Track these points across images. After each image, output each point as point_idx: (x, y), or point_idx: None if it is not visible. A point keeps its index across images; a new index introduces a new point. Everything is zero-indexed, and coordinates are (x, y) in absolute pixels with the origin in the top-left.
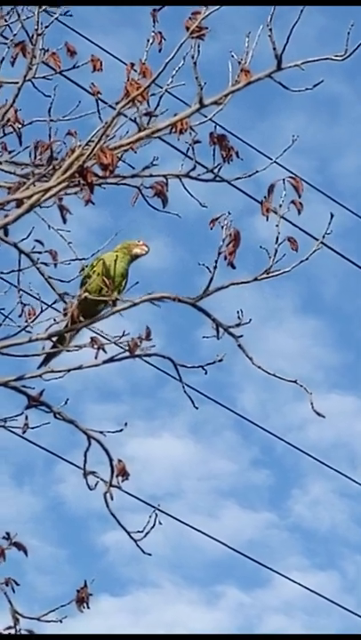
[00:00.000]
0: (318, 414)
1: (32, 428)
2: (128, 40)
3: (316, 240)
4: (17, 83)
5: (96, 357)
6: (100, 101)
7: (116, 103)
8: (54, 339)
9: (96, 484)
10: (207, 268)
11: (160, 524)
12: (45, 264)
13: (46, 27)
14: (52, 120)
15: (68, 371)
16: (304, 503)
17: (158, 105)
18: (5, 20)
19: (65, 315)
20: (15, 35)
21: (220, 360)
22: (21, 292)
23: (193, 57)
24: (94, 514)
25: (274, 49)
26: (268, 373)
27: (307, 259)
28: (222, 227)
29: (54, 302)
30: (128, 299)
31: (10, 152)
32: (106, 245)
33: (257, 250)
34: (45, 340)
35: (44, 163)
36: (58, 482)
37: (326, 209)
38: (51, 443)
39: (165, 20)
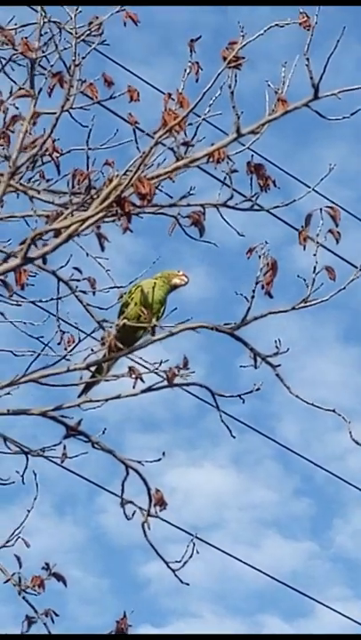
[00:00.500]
0: (357, 443)
1: (70, 457)
2: (166, 70)
3: (356, 268)
4: (55, 113)
5: (134, 387)
6: (137, 131)
7: (154, 133)
8: (93, 368)
9: (133, 514)
10: (245, 297)
11: (197, 552)
12: (84, 292)
13: (83, 57)
14: (89, 149)
15: (106, 400)
16: (346, 533)
17: (195, 134)
18: (43, 51)
19: (103, 344)
20: (52, 65)
21: (258, 389)
22: (60, 321)
23: (230, 86)
24: (136, 544)
25: (311, 78)
26: (307, 403)
27: (344, 288)
28: (260, 256)
29: (93, 331)
30: (167, 326)
31: (48, 181)
32: (144, 273)
33: (296, 279)
34: (84, 369)
35: (82, 191)
36: (99, 512)
37: None
38: (92, 473)
39: (203, 50)
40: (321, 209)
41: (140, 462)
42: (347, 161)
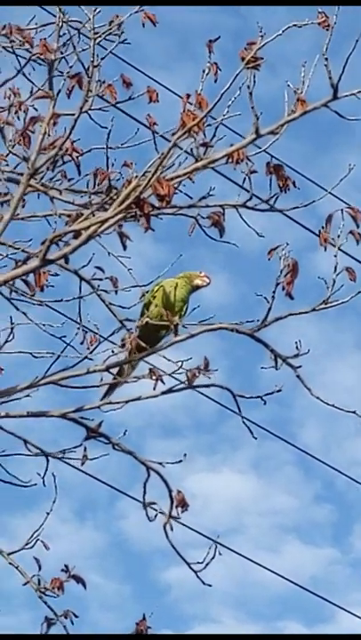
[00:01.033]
0: None
1: (91, 459)
2: (186, 75)
3: None
4: (73, 114)
5: (154, 388)
6: (156, 133)
7: (173, 134)
8: (114, 370)
9: (155, 516)
10: (265, 298)
11: (220, 554)
12: (106, 291)
13: (102, 58)
14: (110, 148)
15: (127, 402)
16: None
17: (214, 135)
18: (61, 52)
19: (123, 345)
20: (71, 67)
21: (279, 390)
22: (81, 320)
23: (249, 87)
24: (157, 550)
25: (330, 78)
26: (327, 404)
27: None
28: (280, 257)
29: (113, 332)
30: (189, 324)
31: (69, 180)
32: (165, 272)
33: (317, 285)
34: (104, 371)
35: (103, 191)
36: (120, 518)
37: None
38: (113, 478)
39: (222, 54)
40: (342, 210)
41: (160, 464)
42: None
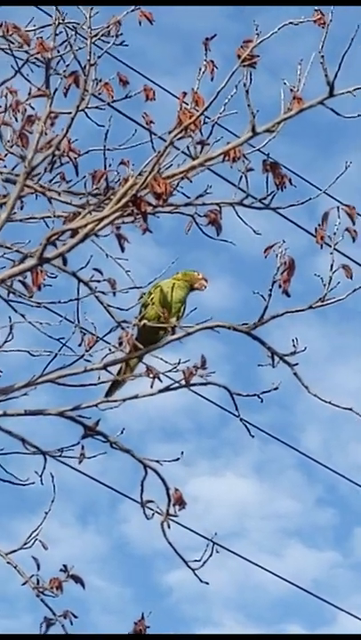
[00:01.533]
0: None
1: (89, 457)
2: (188, 79)
3: None
4: (70, 113)
5: (152, 387)
6: (154, 134)
7: (169, 132)
8: (115, 370)
9: (153, 514)
10: (262, 296)
11: (217, 552)
12: (104, 293)
13: (99, 57)
14: (107, 149)
15: (124, 400)
16: None
17: (211, 133)
18: (58, 51)
19: (120, 344)
20: (68, 65)
21: (276, 388)
22: (79, 321)
23: (245, 85)
24: (159, 553)
25: (326, 76)
26: (324, 401)
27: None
28: (277, 255)
29: (109, 331)
30: (185, 326)
31: (67, 182)
32: (163, 274)
33: (319, 288)
34: (101, 369)
35: (101, 192)
36: (122, 522)
37: None
38: (114, 482)
39: (225, 58)
40: (338, 207)
41: (158, 462)
42: None
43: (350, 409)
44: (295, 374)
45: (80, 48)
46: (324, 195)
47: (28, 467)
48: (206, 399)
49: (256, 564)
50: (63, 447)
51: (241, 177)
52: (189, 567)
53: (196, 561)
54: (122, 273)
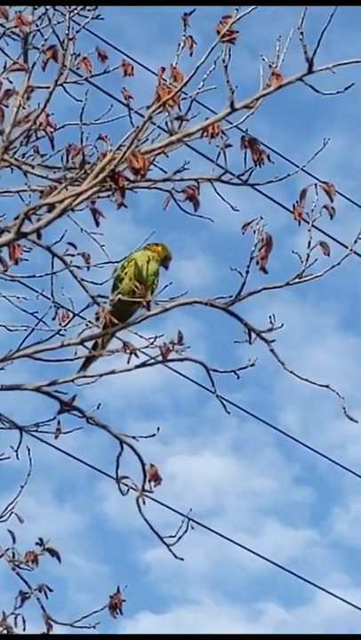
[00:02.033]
0: (351, 419)
1: (65, 432)
2: (168, 58)
3: (346, 248)
4: (48, 87)
5: (128, 362)
6: (133, 111)
7: (148, 107)
8: (90, 344)
9: (128, 490)
10: (239, 272)
11: (192, 528)
12: (78, 267)
13: (77, 31)
14: (84, 124)
15: (101, 375)
16: (345, 521)
17: (190, 109)
18: (37, 25)
19: (97, 319)
20: (46, 40)
21: (253, 365)
22: (55, 297)
23: (224, 61)
24: (137, 531)
25: (305, 52)
26: (301, 378)
27: (339, 263)
28: (254, 231)
29: (86, 307)
30: (162, 301)
31: (42, 156)
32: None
33: (298, 267)
34: (78, 344)
35: (77, 166)
36: (100, 499)
37: None
38: (92, 460)
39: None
40: (316, 184)
41: (134, 438)
42: (350, 152)
43: (327, 386)
44: (272, 350)
45: (59, 22)
46: (303, 174)
47: (4, 443)
48: (184, 376)
49: (234, 542)
50: (39, 422)
51: (219, 153)
52: (164, 543)
53: (171, 536)
54: (97, 249)
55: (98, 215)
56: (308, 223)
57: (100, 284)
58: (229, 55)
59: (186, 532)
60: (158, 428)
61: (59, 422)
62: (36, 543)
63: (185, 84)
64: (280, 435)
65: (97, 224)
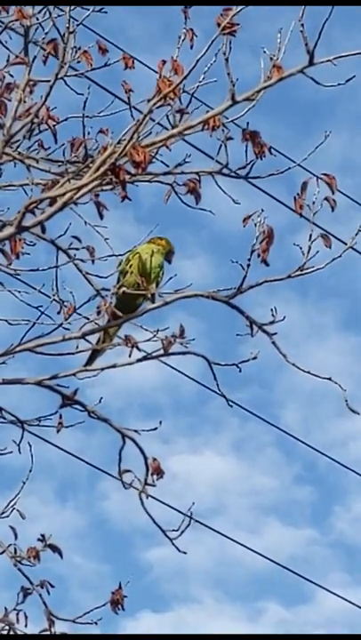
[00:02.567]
0: (353, 411)
1: (66, 427)
2: (168, 56)
3: (345, 244)
4: (49, 81)
5: (130, 356)
6: (133, 104)
7: (148, 101)
8: (92, 339)
9: (132, 481)
10: (241, 265)
11: (195, 521)
12: (82, 260)
13: (78, 25)
14: (86, 117)
15: (102, 369)
16: (346, 520)
17: (190, 102)
18: (37, 19)
19: (98, 313)
20: (47, 33)
21: (255, 358)
22: (57, 290)
23: (225, 53)
24: (138, 530)
25: (306, 45)
26: (303, 371)
27: (340, 256)
28: (256, 224)
29: (88, 300)
30: (165, 293)
31: (46, 149)
32: (141, 243)
33: (299, 263)
34: (79, 338)
35: (80, 160)
36: (102, 498)
37: None
38: (93, 459)
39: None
40: (317, 177)
41: (136, 431)
42: (352, 150)
43: (329, 378)
44: (273, 343)
45: (59, 16)
46: (304, 171)
47: (6, 439)
48: (185, 375)
49: (234, 541)
50: (41, 416)
51: (220, 146)
52: (167, 537)
53: (173, 530)
54: (101, 242)
55: (102, 208)
56: (310, 217)
57: (105, 278)
58: (230, 48)
59: (188, 526)
60: (160, 422)
61: (60, 416)
62: (38, 539)
63: (186, 77)
64: (281, 433)
65: (101, 217)
